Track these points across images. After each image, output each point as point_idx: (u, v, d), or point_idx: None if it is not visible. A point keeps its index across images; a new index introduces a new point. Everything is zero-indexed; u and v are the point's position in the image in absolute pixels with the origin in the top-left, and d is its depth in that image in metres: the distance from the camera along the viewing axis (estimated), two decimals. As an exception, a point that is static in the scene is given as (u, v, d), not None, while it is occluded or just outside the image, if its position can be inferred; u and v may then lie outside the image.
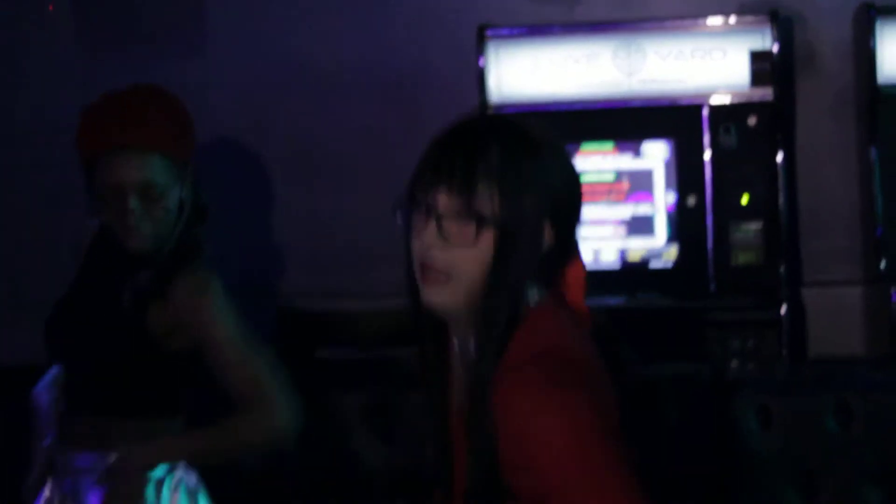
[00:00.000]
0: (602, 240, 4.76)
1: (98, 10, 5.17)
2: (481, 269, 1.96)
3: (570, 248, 2.12)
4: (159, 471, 2.99)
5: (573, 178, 2.09)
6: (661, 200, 4.68)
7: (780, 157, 4.56)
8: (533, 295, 2.03)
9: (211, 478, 3.20)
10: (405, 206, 2.03)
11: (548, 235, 2.02)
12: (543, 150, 2.05)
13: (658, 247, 4.68)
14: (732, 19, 4.65)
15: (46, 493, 3.05)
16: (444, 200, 1.95)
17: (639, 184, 4.71)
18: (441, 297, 1.99)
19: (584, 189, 3.96)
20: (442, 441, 2.14)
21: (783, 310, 4.52)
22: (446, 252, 1.98)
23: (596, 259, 4.78)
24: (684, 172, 4.67)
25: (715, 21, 4.66)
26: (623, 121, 4.70)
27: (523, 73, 4.71)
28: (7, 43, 5.20)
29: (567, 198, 2.09)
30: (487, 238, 1.93)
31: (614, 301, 4.65)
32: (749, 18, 4.62)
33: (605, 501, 1.86)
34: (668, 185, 4.67)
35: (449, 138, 2.00)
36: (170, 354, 2.95)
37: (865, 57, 4.58)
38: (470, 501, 1.99)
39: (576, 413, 1.88)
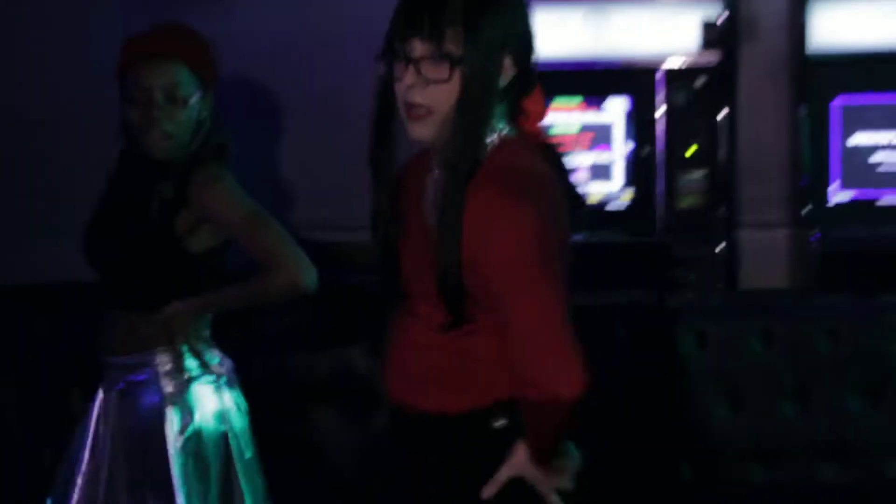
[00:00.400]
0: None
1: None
2: (455, 101, 2.30)
3: (529, 81, 2.44)
4: (198, 370, 3.28)
5: (527, 20, 2.40)
6: (619, 150, 4.90)
7: (722, 114, 4.82)
8: (502, 126, 2.39)
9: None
10: (385, 56, 2.33)
11: (508, 69, 2.33)
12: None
13: (615, 191, 4.92)
14: (685, -5, 4.97)
15: (99, 397, 3.32)
16: (418, 46, 2.23)
17: (601, 135, 4.92)
18: (424, 129, 2.31)
19: (560, 138, 4.23)
20: (391, 261, 2.50)
21: (720, 247, 4.81)
22: (425, 90, 2.27)
23: None
24: (640, 126, 4.90)
25: (664, -8, 5.03)
26: (589, 80, 4.89)
27: None
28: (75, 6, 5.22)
29: (523, 36, 2.38)
30: (457, 75, 2.24)
31: (576, 237, 4.98)
32: (698, -8, 4.94)
33: (534, 306, 2.25)
34: (626, 137, 4.89)
35: None
36: (194, 254, 3.21)
37: (798, 29, 4.77)
38: (440, 297, 2.34)
39: (526, 224, 2.23)
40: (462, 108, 2.26)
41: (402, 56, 2.27)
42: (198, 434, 3.30)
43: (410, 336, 2.47)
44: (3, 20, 5.38)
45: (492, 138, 2.39)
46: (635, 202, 4.90)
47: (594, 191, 4.92)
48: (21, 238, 5.15)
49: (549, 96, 4.37)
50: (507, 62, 2.31)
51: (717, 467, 4.37)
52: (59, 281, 4.33)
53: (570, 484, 2.47)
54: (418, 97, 2.27)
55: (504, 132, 2.41)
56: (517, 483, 2.43)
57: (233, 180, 3.28)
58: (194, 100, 3.24)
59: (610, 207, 4.95)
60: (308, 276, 3.17)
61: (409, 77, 2.26)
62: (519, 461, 2.41)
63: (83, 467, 3.31)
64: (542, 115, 2.63)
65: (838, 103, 4.78)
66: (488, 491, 2.41)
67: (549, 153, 2.48)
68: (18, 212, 5.38)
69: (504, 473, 2.42)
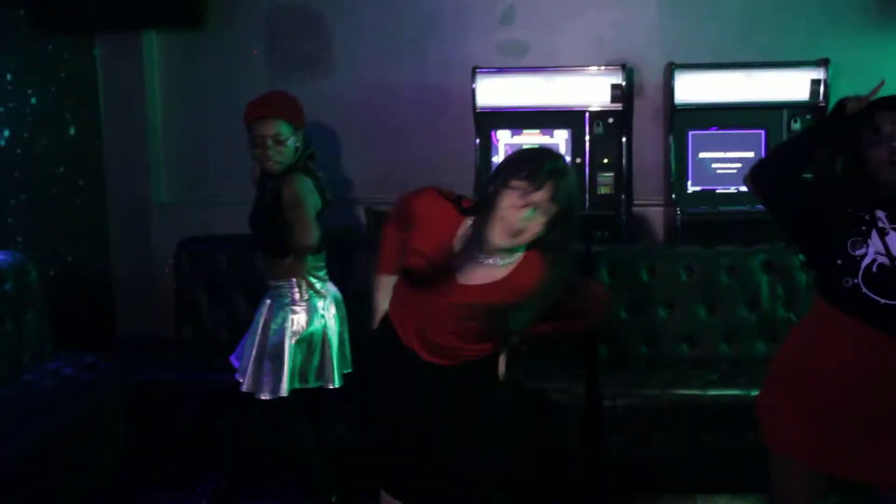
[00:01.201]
0: None
1: (280, 51, 5.82)
2: None
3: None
4: (311, 293, 3.83)
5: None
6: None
7: (623, 140, 5.35)
8: None
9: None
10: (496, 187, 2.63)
11: None
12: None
13: None
14: (603, 68, 5.35)
15: (266, 302, 3.90)
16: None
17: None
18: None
19: None
20: None
21: (622, 218, 5.29)
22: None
23: None
24: (576, 146, 5.41)
25: (594, 68, 5.37)
26: (545, 118, 5.41)
27: (494, 91, 5.37)
28: (226, 74, 5.85)
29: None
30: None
31: None
32: (612, 67, 5.32)
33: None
34: (567, 153, 5.39)
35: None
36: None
37: (668, 90, 5.27)
38: None
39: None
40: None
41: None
42: (306, 331, 3.81)
43: None
44: (189, 71, 5.96)
45: None
46: None
47: None
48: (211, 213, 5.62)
49: (520, 129, 5.37)
50: None
51: (622, 348, 4.88)
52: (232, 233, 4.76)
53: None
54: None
55: None
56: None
57: (301, 181, 3.73)
58: (290, 140, 3.73)
59: None
60: (307, 241, 3.68)
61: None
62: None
63: (253, 340, 3.84)
64: None
65: (691, 134, 5.34)
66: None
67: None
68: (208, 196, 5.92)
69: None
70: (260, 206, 3.87)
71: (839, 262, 2.67)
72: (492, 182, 2.62)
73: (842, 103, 2.73)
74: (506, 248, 2.62)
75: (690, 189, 5.38)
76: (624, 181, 5.37)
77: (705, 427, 4.38)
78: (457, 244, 2.63)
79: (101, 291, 5.84)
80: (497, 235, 2.56)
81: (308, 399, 3.93)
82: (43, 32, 5.24)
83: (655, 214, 5.58)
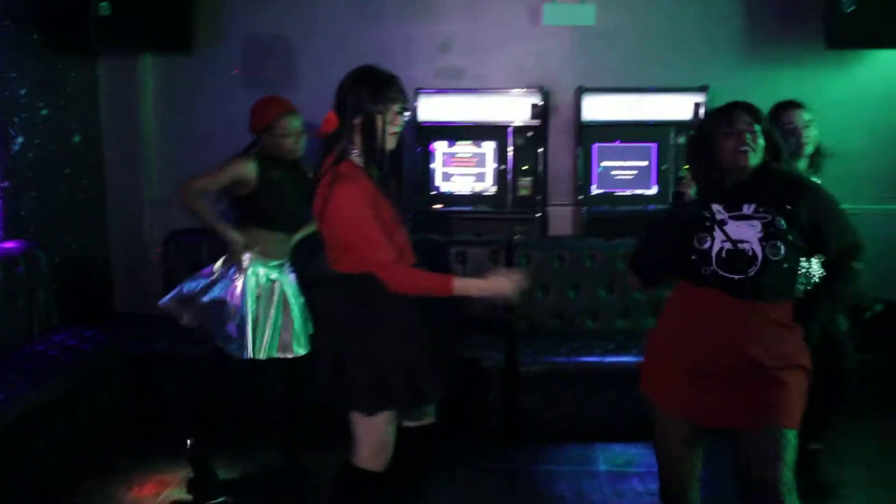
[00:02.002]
0: (464, 182, 5.43)
1: (255, 71, 5.71)
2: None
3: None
4: (261, 261, 3.72)
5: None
6: (490, 167, 5.42)
7: (540, 150, 5.35)
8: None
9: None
10: (388, 111, 2.79)
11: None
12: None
13: (488, 186, 5.42)
14: (524, 90, 5.38)
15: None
16: (401, 106, 2.84)
17: (481, 159, 5.43)
18: (391, 143, 2.86)
19: (457, 160, 5.25)
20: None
21: (538, 215, 5.30)
22: (398, 126, 2.87)
23: (461, 190, 5.41)
24: (500, 155, 5.40)
25: (517, 90, 5.39)
26: (475, 131, 5.39)
27: (434, 108, 5.36)
28: (210, 90, 5.69)
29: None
30: None
31: (466, 209, 5.34)
32: (531, 89, 5.34)
33: (366, 249, 2.72)
34: (493, 161, 5.42)
35: (394, 81, 2.82)
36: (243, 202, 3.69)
37: (577, 109, 5.31)
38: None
39: (356, 199, 2.69)
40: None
41: (402, 109, 2.87)
42: (260, 285, 3.70)
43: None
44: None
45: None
46: (497, 192, 5.38)
47: (476, 186, 5.40)
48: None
49: (454, 140, 5.41)
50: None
51: (537, 323, 5.00)
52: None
53: None
54: (397, 129, 2.88)
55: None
56: None
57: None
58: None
59: (484, 193, 5.40)
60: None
61: (397, 120, 2.86)
62: None
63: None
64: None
65: (595, 146, 5.33)
66: None
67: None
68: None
69: None
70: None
71: (693, 257, 2.78)
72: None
73: (679, 192, 2.85)
74: None
75: (594, 192, 5.40)
76: (540, 184, 5.40)
77: (604, 387, 4.46)
78: None
79: (100, 275, 5.81)
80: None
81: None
82: (53, 54, 5.23)
83: (566, 213, 5.58)
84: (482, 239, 5.10)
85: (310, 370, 3.17)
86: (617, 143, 5.40)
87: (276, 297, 3.70)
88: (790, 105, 3.74)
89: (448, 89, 5.49)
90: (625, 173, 5.40)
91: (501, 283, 2.75)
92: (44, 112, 5.21)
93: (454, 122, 5.42)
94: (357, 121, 2.74)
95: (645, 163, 5.38)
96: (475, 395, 4.50)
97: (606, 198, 5.38)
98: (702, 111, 5.22)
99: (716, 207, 2.77)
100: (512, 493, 4.06)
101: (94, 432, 4.43)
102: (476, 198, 5.47)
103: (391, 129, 2.76)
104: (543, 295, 5.02)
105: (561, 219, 5.55)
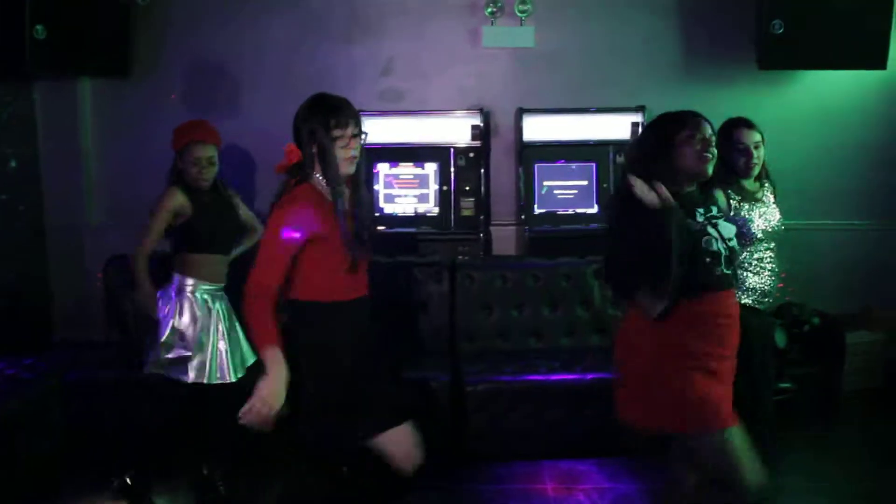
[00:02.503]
0: (407, 203, 5.42)
1: (194, 96, 5.67)
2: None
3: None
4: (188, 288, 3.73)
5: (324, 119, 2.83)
6: (433, 188, 5.43)
7: (482, 171, 5.38)
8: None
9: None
10: (333, 137, 2.81)
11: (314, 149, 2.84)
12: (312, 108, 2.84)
13: (431, 207, 5.42)
14: (465, 111, 5.42)
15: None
16: (354, 130, 2.87)
17: (423, 180, 5.44)
18: (352, 167, 2.90)
19: (400, 181, 5.23)
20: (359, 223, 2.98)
21: (481, 235, 5.30)
22: (355, 150, 2.88)
23: (405, 212, 5.39)
24: (442, 176, 5.42)
25: (458, 112, 5.43)
26: (418, 152, 5.41)
27: (375, 130, 4.94)
28: (149, 114, 5.62)
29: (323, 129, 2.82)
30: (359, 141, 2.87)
31: (409, 230, 5.30)
32: (472, 111, 5.39)
33: (256, 265, 2.80)
34: (436, 181, 5.44)
35: (348, 106, 2.90)
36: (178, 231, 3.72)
37: (518, 131, 5.33)
38: (369, 236, 2.95)
39: (279, 220, 2.78)
40: (360, 156, 3.00)
41: (350, 135, 2.90)
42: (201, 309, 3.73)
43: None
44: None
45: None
46: (440, 213, 5.40)
47: (419, 207, 5.40)
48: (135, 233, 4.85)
49: (397, 161, 5.36)
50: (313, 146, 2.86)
51: (479, 341, 4.94)
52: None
53: None
54: (354, 152, 2.93)
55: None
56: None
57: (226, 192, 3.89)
58: (216, 161, 3.81)
59: (428, 214, 5.41)
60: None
61: (353, 144, 2.92)
62: None
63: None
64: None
65: (536, 166, 5.37)
66: None
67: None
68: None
69: None
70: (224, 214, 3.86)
71: (708, 260, 2.82)
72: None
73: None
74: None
75: (537, 211, 5.41)
76: (483, 205, 5.42)
77: (550, 405, 4.45)
78: None
79: (39, 301, 5.68)
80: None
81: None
82: (-16, 78, 5.05)
83: (509, 232, 5.57)
84: (426, 260, 5.05)
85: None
86: (558, 163, 5.43)
87: (216, 322, 3.74)
88: (740, 123, 3.71)
89: (390, 111, 5.49)
90: (566, 192, 5.42)
91: (271, 392, 2.77)
92: (-24, 138, 5.07)
93: (396, 144, 5.41)
94: (314, 149, 2.82)
95: (585, 182, 5.42)
96: (422, 416, 4.41)
97: (549, 217, 5.41)
98: (639, 131, 5.29)
99: (698, 214, 2.84)
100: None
101: (33, 461, 4.35)
102: (419, 219, 5.46)
103: (346, 155, 2.82)
104: (487, 315, 4.98)
105: (504, 239, 5.54)
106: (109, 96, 5.75)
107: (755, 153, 3.66)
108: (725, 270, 2.81)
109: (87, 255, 5.73)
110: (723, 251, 2.81)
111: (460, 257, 5.09)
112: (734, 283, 2.88)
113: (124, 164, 5.77)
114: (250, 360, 3.81)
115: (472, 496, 4.14)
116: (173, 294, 3.73)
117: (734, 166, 3.64)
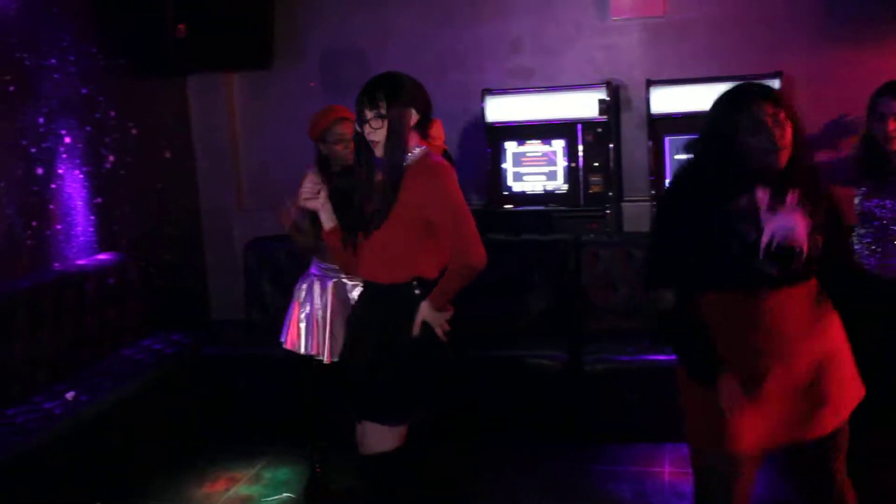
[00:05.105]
0: (536, 181, 5.40)
1: (331, 82, 5.85)
2: (386, 136, 2.68)
3: (428, 120, 2.80)
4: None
5: (422, 91, 2.77)
6: (560, 164, 5.38)
7: (611, 146, 5.25)
8: (420, 145, 2.76)
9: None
10: (358, 121, 2.73)
11: (413, 118, 2.73)
12: (405, 83, 2.74)
13: (559, 184, 5.38)
14: (592, 85, 5.26)
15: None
16: (368, 113, 2.70)
17: (551, 157, 5.39)
18: (378, 151, 2.74)
19: (528, 159, 5.20)
20: (363, 205, 2.81)
21: (608, 212, 5.19)
22: (374, 133, 2.71)
23: (533, 189, 5.39)
24: (570, 152, 5.35)
25: (585, 86, 5.28)
26: (544, 130, 5.35)
27: (502, 108, 5.34)
28: (290, 103, 5.82)
29: (421, 99, 2.77)
30: (386, 123, 2.67)
31: (538, 208, 5.30)
32: (597, 85, 5.23)
33: (464, 227, 2.69)
34: (563, 158, 5.37)
35: (366, 87, 2.73)
36: None
37: (647, 103, 5.08)
38: (375, 221, 2.73)
39: (456, 187, 2.72)
40: (389, 138, 2.72)
41: (363, 119, 2.73)
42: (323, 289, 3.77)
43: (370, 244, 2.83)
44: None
45: (413, 152, 2.77)
46: (569, 190, 5.34)
47: (548, 185, 5.38)
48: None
49: (524, 139, 5.33)
50: (413, 112, 2.74)
51: (604, 320, 4.84)
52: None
53: (447, 325, 2.78)
54: (372, 135, 2.73)
55: (419, 148, 2.79)
56: (425, 325, 2.77)
57: None
58: None
59: (556, 192, 5.38)
60: None
61: (367, 128, 2.72)
62: (424, 310, 2.74)
63: None
64: (441, 135, 3.18)
65: (667, 138, 5.20)
66: (416, 330, 2.75)
67: (447, 155, 3.02)
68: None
69: (420, 317, 2.75)
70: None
71: (735, 251, 2.48)
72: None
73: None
74: (377, 152, 2.77)
75: (668, 184, 5.16)
76: (613, 181, 5.30)
77: (672, 387, 4.25)
78: None
79: (195, 283, 6.05)
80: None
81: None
82: (140, 77, 5.46)
83: (642, 209, 5.36)
84: (550, 238, 5.03)
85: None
86: (686, 136, 5.03)
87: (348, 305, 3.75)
88: (885, 91, 3.44)
89: (515, 89, 5.44)
90: (699, 166, 5.16)
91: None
92: (134, 131, 5.45)
93: (523, 122, 5.38)
94: None
95: (719, 154, 5.13)
96: (538, 396, 4.49)
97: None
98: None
99: (759, 193, 2.41)
100: (574, 492, 4.01)
101: (168, 430, 4.62)
102: (548, 196, 5.42)
103: (368, 138, 2.76)
104: (613, 293, 4.89)
105: (638, 215, 5.37)
106: (254, 87, 6.03)
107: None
108: (769, 265, 2.41)
109: (236, 238, 6.01)
110: (772, 247, 2.40)
111: (591, 235, 5.02)
112: (789, 281, 2.43)
113: (270, 151, 6.01)
114: None
115: (587, 476, 4.12)
116: (310, 275, 3.81)
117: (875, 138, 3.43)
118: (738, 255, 2.41)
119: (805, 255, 2.40)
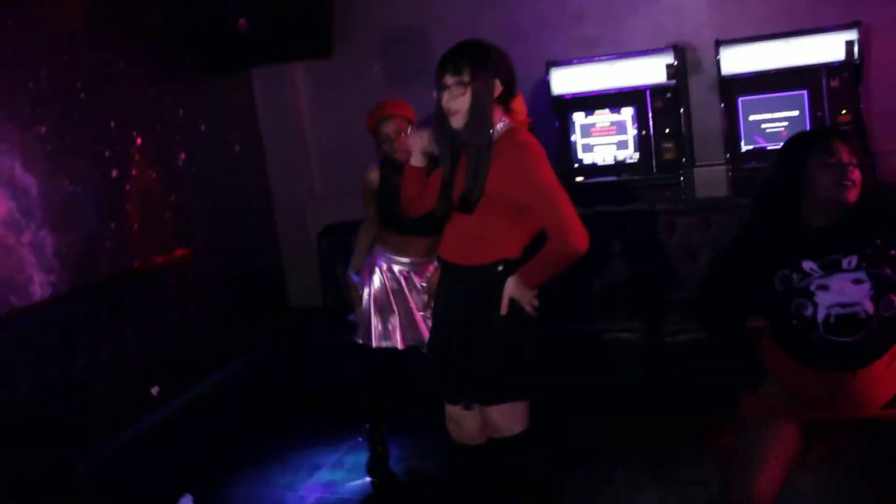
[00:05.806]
0: (606, 151, 5.33)
1: (392, 65, 5.88)
2: (468, 106, 2.57)
3: (512, 93, 2.67)
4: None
5: (507, 61, 2.66)
6: (630, 133, 5.29)
7: (682, 111, 5.17)
8: (502, 120, 2.64)
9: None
10: (437, 87, 2.62)
11: (497, 89, 2.61)
12: (492, 51, 2.64)
13: (630, 153, 5.30)
14: (658, 50, 5.12)
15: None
16: (449, 79, 2.59)
17: (621, 126, 5.31)
18: (455, 122, 2.62)
19: (597, 129, 5.11)
20: (448, 186, 2.72)
21: (682, 178, 5.12)
22: (453, 101, 2.60)
23: (604, 160, 5.33)
24: (640, 120, 5.25)
25: (650, 51, 5.14)
26: (612, 98, 5.25)
27: (567, 80, 5.26)
28: (354, 89, 5.88)
29: (506, 70, 2.65)
30: (469, 92, 2.56)
31: (612, 178, 5.24)
32: (664, 49, 5.09)
33: (565, 206, 2.56)
34: (633, 126, 5.28)
35: (449, 53, 2.62)
36: None
37: (717, 64, 4.98)
38: (461, 202, 2.62)
39: (547, 166, 2.59)
40: (472, 109, 2.59)
41: (442, 85, 2.62)
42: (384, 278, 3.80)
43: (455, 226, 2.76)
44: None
45: (496, 127, 2.63)
46: (640, 159, 5.26)
47: (619, 155, 5.30)
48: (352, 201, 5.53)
49: (592, 110, 5.25)
50: (497, 83, 2.61)
51: (684, 289, 4.78)
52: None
53: (536, 301, 2.70)
54: (451, 104, 2.61)
55: (502, 123, 2.65)
56: (512, 302, 2.68)
57: None
58: None
59: (627, 161, 5.29)
60: None
61: (445, 95, 2.61)
62: (511, 287, 2.64)
63: None
64: (524, 109, 3.02)
65: (740, 100, 5.06)
66: (504, 309, 2.66)
67: (533, 130, 2.80)
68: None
69: (507, 295, 2.65)
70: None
71: (795, 322, 2.53)
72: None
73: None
74: (456, 124, 2.67)
75: (744, 148, 5.10)
76: (685, 147, 5.20)
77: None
78: None
79: (273, 273, 6.10)
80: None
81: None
82: (206, 74, 5.51)
83: (718, 174, 5.21)
84: (624, 209, 4.98)
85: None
86: (761, 95, 5.07)
87: (409, 293, 3.78)
88: None
89: (580, 59, 5.34)
90: (775, 125, 5.05)
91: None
92: (202, 127, 5.51)
93: (590, 92, 5.29)
94: None
95: (796, 112, 5.00)
96: (618, 369, 4.47)
97: (756, 154, 5.05)
98: (855, 50, 4.79)
99: (807, 266, 2.45)
100: (662, 467, 3.93)
101: (251, 420, 4.71)
102: (619, 166, 5.33)
103: (447, 106, 2.65)
104: (691, 262, 4.81)
105: (713, 181, 5.21)
106: (317, 76, 6.04)
107: None
108: (830, 337, 2.43)
109: (309, 225, 6.04)
110: (831, 319, 2.42)
111: (665, 205, 4.93)
112: (850, 353, 2.42)
113: (337, 138, 6.03)
114: None
115: (662, 450, 4.02)
116: (375, 265, 3.81)
117: None
118: (798, 329, 2.46)
119: (875, 319, 2.38)
